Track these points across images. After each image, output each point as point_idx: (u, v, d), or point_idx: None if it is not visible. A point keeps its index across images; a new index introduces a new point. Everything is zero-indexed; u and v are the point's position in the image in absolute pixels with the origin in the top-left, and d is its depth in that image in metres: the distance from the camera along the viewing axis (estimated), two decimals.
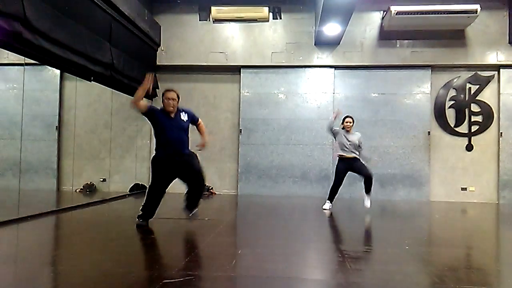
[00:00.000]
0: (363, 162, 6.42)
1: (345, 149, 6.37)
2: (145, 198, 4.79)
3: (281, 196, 8.35)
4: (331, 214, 6.18)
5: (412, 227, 5.53)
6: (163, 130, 4.57)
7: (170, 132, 4.55)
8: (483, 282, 2.99)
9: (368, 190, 6.40)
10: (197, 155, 4.77)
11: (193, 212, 4.80)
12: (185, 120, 4.67)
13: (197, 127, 4.89)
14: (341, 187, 6.52)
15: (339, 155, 6.46)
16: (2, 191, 7.80)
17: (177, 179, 4.75)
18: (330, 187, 6.60)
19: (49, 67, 7.90)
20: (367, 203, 6.36)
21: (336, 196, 6.56)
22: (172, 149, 4.58)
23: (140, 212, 4.77)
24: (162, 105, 4.61)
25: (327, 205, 6.54)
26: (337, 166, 6.51)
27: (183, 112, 4.70)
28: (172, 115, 4.59)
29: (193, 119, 4.81)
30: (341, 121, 6.49)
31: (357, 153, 6.37)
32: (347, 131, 6.41)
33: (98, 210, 6.35)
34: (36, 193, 8.11)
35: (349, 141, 6.35)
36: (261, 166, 8.60)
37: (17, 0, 4.31)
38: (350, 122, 6.41)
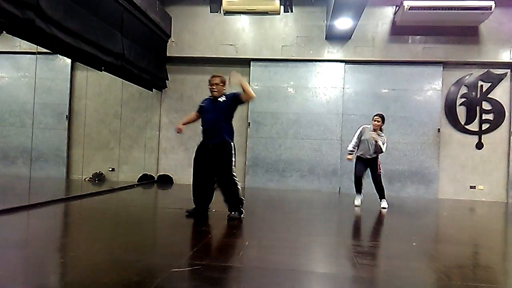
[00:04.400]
0: (376, 165, 6.22)
1: (365, 149, 6.19)
2: None
3: (288, 190, 8.36)
4: (336, 209, 6.17)
5: (419, 224, 5.52)
6: (202, 114, 4.70)
7: (206, 114, 4.66)
8: (490, 280, 2.98)
9: (379, 196, 6.29)
10: (232, 148, 4.69)
11: (232, 215, 4.68)
12: (221, 101, 4.60)
13: (242, 97, 4.61)
14: (363, 178, 6.33)
15: (357, 155, 6.33)
16: (13, 178, 7.90)
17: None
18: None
19: (60, 56, 7.98)
20: (383, 204, 6.22)
21: (362, 188, 6.37)
22: (205, 130, 4.66)
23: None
24: None
25: (357, 200, 6.35)
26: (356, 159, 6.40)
27: (224, 96, 4.65)
28: (215, 99, 4.64)
29: (234, 97, 4.60)
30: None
31: (371, 153, 6.16)
32: (373, 130, 6.20)
33: (106, 199, 6.41)
34: (46, 181, 8.21)
35: (367, 138, 6.13)
36: (269, 159, 8.61)
37: None
38: (378, 121, 6.17)
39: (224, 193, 4.75)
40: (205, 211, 4.85)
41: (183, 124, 4.89)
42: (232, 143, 4.69)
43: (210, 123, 4.62)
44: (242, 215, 4.77)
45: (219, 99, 4.63)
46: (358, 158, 6.36)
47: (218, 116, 4.59)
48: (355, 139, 6.35)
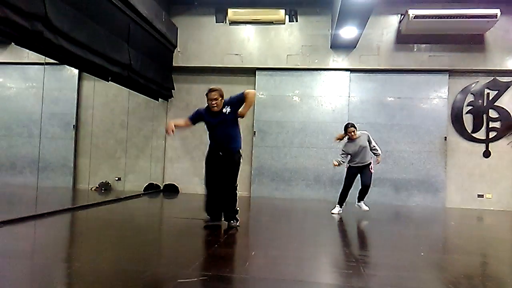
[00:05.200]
0: (369, 170, 6.28)
1: (354, 158, 6.28)
2: None
3: (294, 199, 8.33)
4: (343, 218, 6.14)
5: (427, 233, 5.46)
6: (208, 128, 4.78)
7: (214, 129, 4.73)
8: None
9: (361, 198, 6.40)
10: (241, 156, 4.82)
11: (231, 224, 4.77)
12: (227, 113, 4.64)
13: (245, 101, 4.67)
14: (350, 190, 6.44)
15: (350, 165, 6.38)
16: (20, 188, 7.95)
17: None
18: (340, 191, 6.54)
19: (67, 66, 8.05)
20: (364, 207, 6.34)
21: (346, 200, 6.49)
22: (214, 143, 4.77)
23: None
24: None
25: (336, 209, 6.46)
26: (347, 170, 6.46)
27: (226, 106, 4.67)
28: (219, 112, 4.66)
29: (238, 100, 4.66)
30: (344, 131, 6.40)
31: (366, 159, 6.24)
32: (352, 140, 6.29)
33: (113, 208, 6.43)
34: (53, 190, 8.25)
35: (356, 148, 6.22)
36: (275, 168, 8.60)
37: (38, 0, 4.40)
38: (353, 131, 6.25)
39: (224, 201, 4.80)
40: (219, 219, 4.89)
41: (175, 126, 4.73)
42: (241, 151, 4.82)
43: (222, 137, 4.71)
44: (238, 223, 4.83)
45: (223, 110, 4.66)
46: (349, 168, 6.39)
47: (228, 130, 4.70)
48: (340, 155, 6.39)
